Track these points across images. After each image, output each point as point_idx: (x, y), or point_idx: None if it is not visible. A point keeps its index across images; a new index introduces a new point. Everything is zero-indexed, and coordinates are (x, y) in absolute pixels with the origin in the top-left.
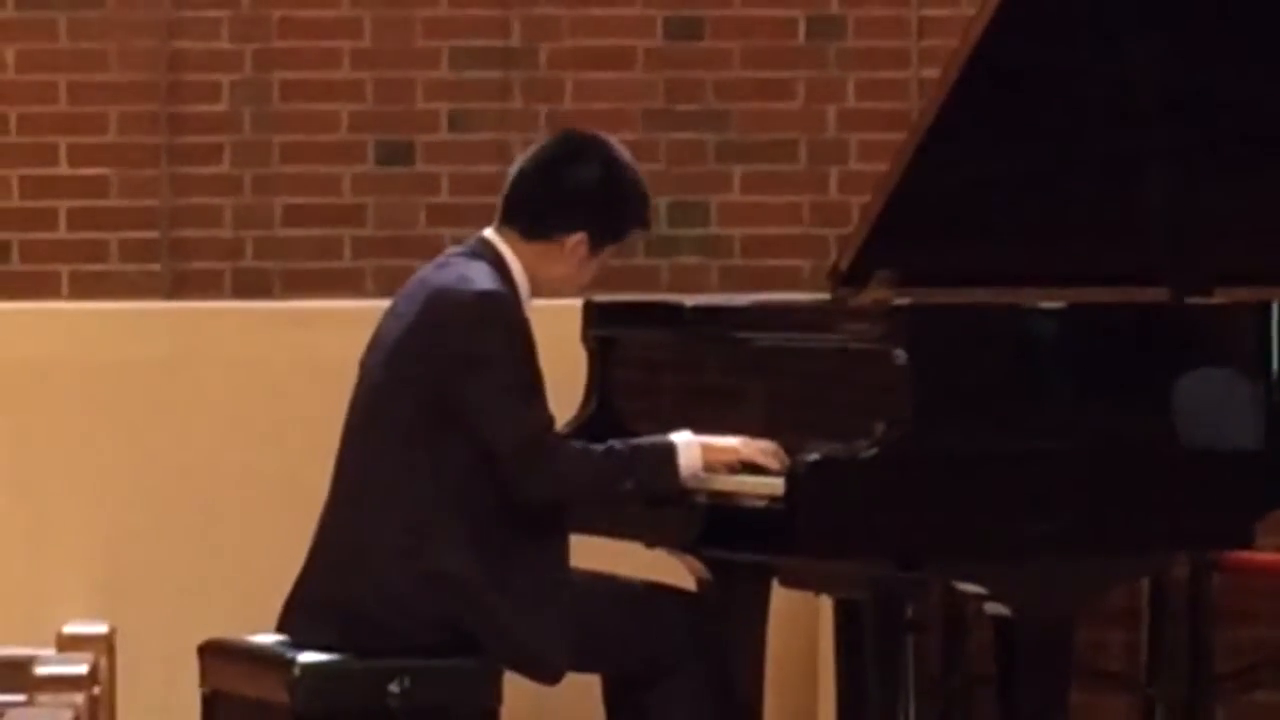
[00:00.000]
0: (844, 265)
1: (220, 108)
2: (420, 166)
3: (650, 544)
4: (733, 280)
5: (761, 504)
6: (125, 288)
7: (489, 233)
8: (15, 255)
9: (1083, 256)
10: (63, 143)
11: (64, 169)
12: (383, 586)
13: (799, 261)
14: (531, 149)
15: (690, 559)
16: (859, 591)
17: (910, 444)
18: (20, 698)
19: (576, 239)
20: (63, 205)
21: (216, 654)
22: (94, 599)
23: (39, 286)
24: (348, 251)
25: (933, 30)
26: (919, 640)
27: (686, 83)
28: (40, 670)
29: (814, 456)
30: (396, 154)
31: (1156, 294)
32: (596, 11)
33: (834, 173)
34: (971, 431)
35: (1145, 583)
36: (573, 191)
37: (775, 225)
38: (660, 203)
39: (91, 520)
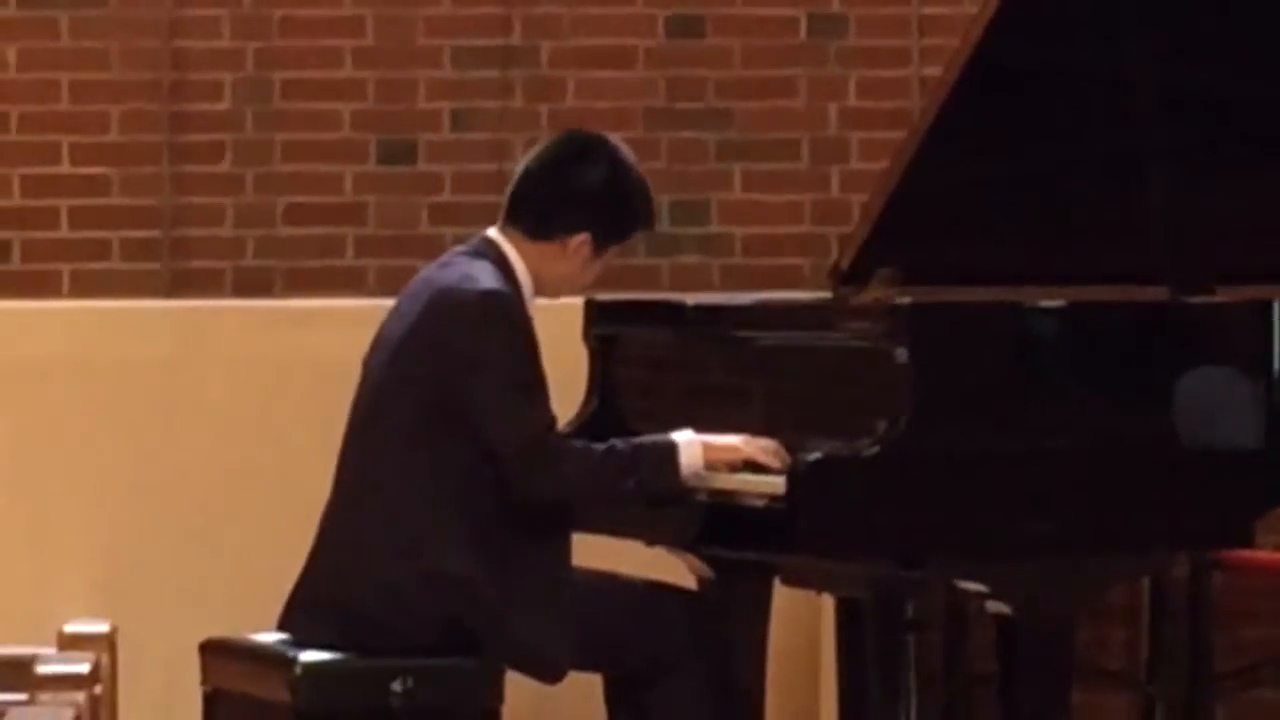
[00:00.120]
0: (845, 264)
1: (222, 106)
2: (422, 165)
3: (651, 542)
4: (734, 279)
5: (762, 503)
6: (126, 286)
7: (492, 232)
8: (16, 254)
9: (1083, 255)
10: (64, 141)
11: (65, 168)
12: (384, 585)
13: (800, 260)
14: (536, 149)
15: (691, 558)
16: (860, 590)
17: (911, 442)
18: (22, 697)
19: (580, 239)
20: (64, 204)
21: (218, 653)
22: (95, 598)
23: (40, 285)
24: (349, 250)
25: (934, 29)
26: (920, 639)
27: (688, 81)
28: (42, 669)
29: (815, 455)
30: (398, 153)
31: (1157, 293)
32: (598, 10)
33: (835, 171)
34: (972, 430)
35: (1146, 581)
36: (578, 192)
37: (776, 224)
38: (661, 201)
39: (92, 519)
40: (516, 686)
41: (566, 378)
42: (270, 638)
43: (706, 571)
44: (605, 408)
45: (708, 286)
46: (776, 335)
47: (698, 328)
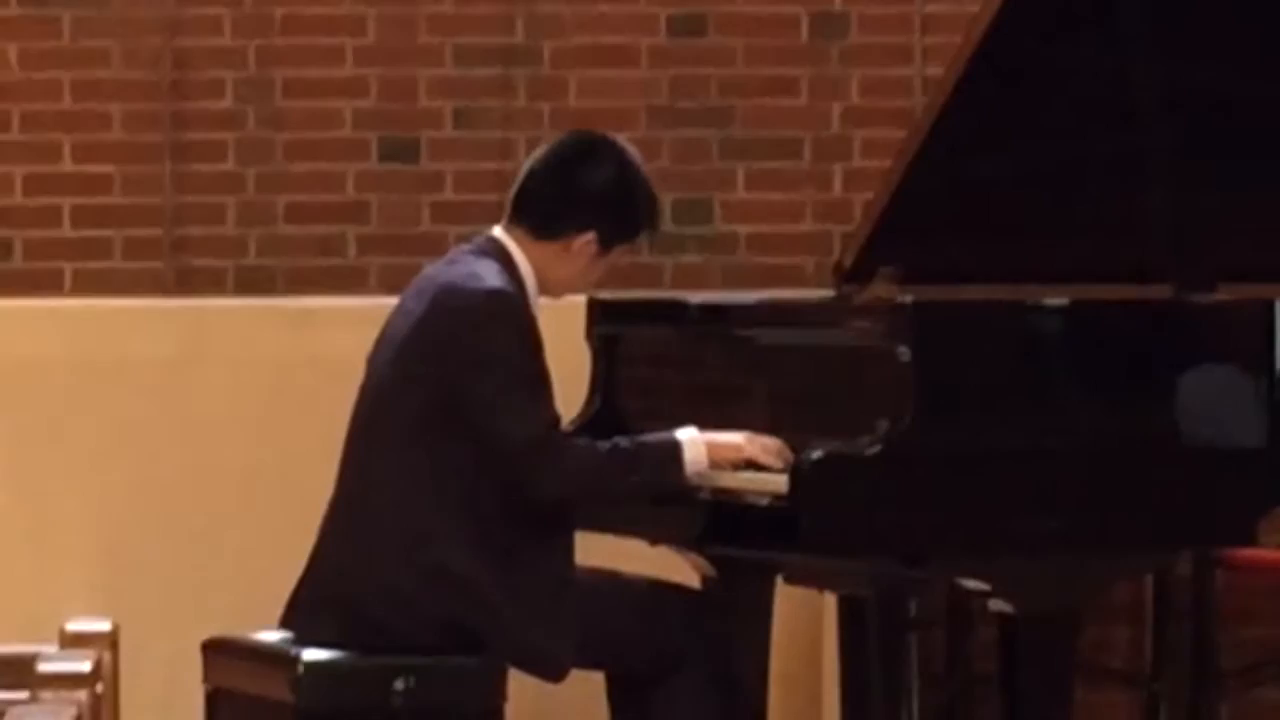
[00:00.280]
0: (848, 262)
1: (223, 105)
2: (424, 164)
3: (654, 541)
4: (736, 278)
5: (765, 501)
6: (128, 285)
7: (497, 231)
8: (18, 252)
9: (1086, 253)
10: (66, 140)
11: (67, 166)
12: (387, 584)
13: (803, 259)
14: (542, 148)
15: (694, 556)
16: (863, 589)
17: (914, 441)
18: (23, 695)
19: (585, 239)
20: (66, 202)
21: (220, 651)
22: (97, 596)
23: (42, 283)
24: (351, 249)
25: (936, 27)
26: (923, 637)
27: (690, 80)
28: (43, 667)
29: (818, 454)
30: (400, 151)
31: (1160, 291)
32: (600, 8)
33: (838, 170)
34: (975, 428)
35: (1149, 580)
36: (584, 192)
37: (779, 222)
38: (664, 200)
39: (94, 517)
40: (519, 685)
41: (570, 376)
42: (272, 636)
43: (709, 570)
44: (608, 407)
45: (710, 285)
46: (779, 334)
47: (700, 327)
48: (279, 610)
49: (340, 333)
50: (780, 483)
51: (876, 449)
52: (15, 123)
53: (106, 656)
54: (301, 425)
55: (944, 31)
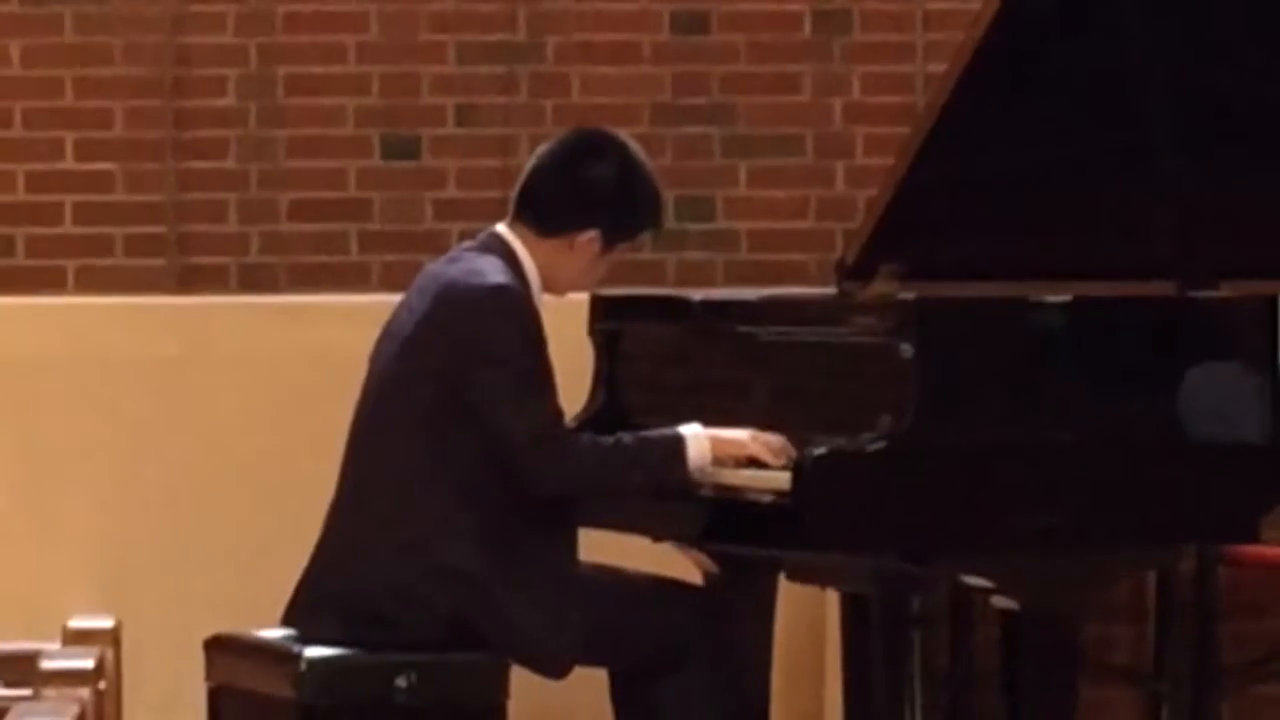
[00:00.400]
0: (850, 259)
1: (226, 102)
2: (426, 161)
3: (657, 538)
4: (739, 274)
5: (768, 498)
6: (130, 282)
7: (501, 227)
8: (20, 250)
9: (1089, 250)
10: (68, 137)
11: (69, 164)
12: (390, 580)
13: (805, 255)
14: (547, 145)
15: (697, 553)
16: (866, 586)
17: (916, 438)
18: (26, 692)
19: (589, 236)
20: (68, 200)
21: (223, 648)
22: (100, 593)
23: (44, 281)
24: (354, 246)
25: (938, 24)
26: (926, 634)
27: (693, 77)
28: (46, 665)
29: (820, 450)
30: (403, 148)
31: (1163, 288)
32: (603, 6)
33: (840, 167)
34: (978, 425)
35: (1152, 577)
36: (588, 189)
37: (781, 219)
38: (667, 197)
39: (97, 514)
40: (522, 682)
41: (573, 372)
42: (275, 633)
43: (713, 567)
44: (611, 402)
45: (713, 282)
46: (782, 330)
47: (703, 323)
48: (282, 607)
49: (343, 330)
50: (782, 479)
51: (879, 446)
52: (17, 120)
53: (109, 653)
54: (304, 422)
55: (946, 28)
